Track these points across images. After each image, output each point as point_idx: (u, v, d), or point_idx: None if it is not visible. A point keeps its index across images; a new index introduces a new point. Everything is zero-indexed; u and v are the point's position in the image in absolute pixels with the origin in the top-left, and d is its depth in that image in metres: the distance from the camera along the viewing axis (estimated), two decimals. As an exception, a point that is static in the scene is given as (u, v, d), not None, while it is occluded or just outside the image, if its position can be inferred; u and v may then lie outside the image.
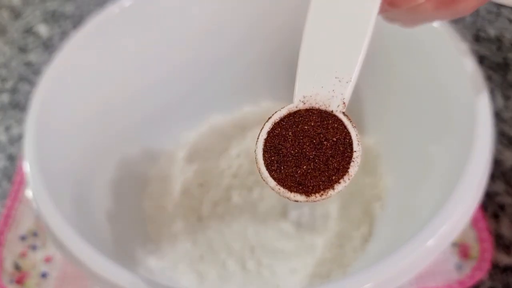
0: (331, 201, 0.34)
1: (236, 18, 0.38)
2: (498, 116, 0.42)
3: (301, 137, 0.18)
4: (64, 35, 0.54)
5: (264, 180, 0.18)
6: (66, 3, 0.57)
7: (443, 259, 0.34)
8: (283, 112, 0.18)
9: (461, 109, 0.28)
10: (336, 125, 0.18)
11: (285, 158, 0.17)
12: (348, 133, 0.18)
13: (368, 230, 0.34)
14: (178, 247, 0.34)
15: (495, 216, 0.36)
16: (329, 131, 0.18)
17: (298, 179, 0.17)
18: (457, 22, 0.49)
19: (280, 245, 0.32)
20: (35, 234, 0.39)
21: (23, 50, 0.53)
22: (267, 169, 0.18)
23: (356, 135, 0.18)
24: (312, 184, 0.17)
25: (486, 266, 0.33)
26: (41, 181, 0.27)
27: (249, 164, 0.36)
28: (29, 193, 0.27)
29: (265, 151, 0.18)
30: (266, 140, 0.18)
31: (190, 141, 0.40)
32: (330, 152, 0.17)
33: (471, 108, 0.27)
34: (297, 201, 0.17)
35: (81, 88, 0.33)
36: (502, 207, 0.37)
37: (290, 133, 0.18)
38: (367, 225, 0.34)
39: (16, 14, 0.57)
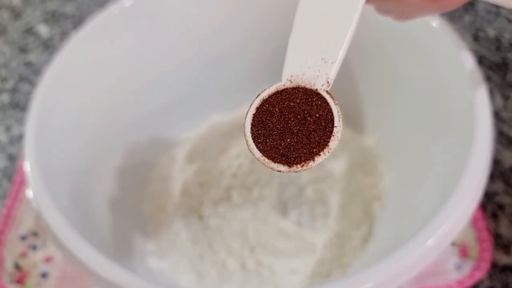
0: (331, 201, 0.34)
1: (236, 18, 0.38)
2: (497, 116, 0.42)
3: (286, 113, 0.19)
4: (64, 35, 0.54)
5: (250, 151, 0.19)
6: (66, 3, 0.57)
7: (443, 259, 0.34)
8: (271, 89, 0.19)
9: (460, 109, 0.28)
10: (319, 102, 0.19)
11: (271, 132, 0.19)
12: (330, 110, 0.19)
13: (368, 230, 0.34)
14: (178, 247, 0.34)
15: (494, 216, 0.36)
16: (313, 108, 0.19)
17: (282, 151, 0.19)
18: (456, 22, 0.49)
19: (280, 245, 0.33)
20: (35, 234, 0.39)
21: (23, 50, 0.53)
22: (254, 141, 0.19)
23: (338, 112, 0.19)
24: (294, 156, 0.19)
25: (485, 265, 0.34)
26: (42, 181, 0.27)
27: (249, 164, 0.36)
28: (29, 193, 0.27)
29: (253, 125, 0.19)
30: (254, 115, 0.19)
31: (190, 141, 0.40)
32: (312, 127, 0.19)
33: (470, 108, 0.27)
34: (279, 171, 0.19)
35: (81, 89, 0.33)
36: (501, 207, 0.37)
37: (276, 109, 0.19)
38: (367, 225, 0.34)
39: (16, 14, 0.57)
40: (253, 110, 0.19)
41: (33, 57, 0.52)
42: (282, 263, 0.32)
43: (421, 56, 0.32)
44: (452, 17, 0.49)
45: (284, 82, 0.19)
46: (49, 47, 0.53)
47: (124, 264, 0.25)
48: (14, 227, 0.39)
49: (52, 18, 0.56)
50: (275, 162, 0.19)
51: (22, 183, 0.41)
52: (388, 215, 0.34)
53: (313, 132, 0.19)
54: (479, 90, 0.27)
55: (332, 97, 0.19)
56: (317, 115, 0.19)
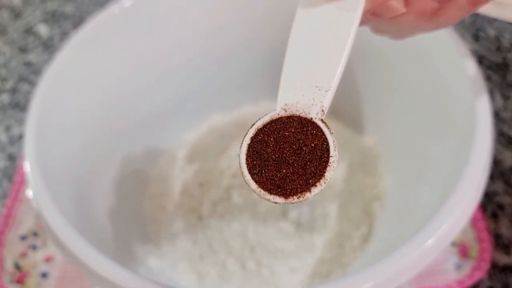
0: (331, 201, 0.34)
1: (236, 19, 0.38)
2: (497, 116, 0.42)
3: (281, 143, 0.19)
4: (64, 35, 0.54)
5: (246, 183, 0.19)
6: (66, 3, 0.57)
7: (443, 259, 0.34)
8: (266, 119, 0.19)
9: (460, 109, 0.28)
10: (315, 131, 0.19)
11: (266, 163, 0.19)
12: (326, 139, 0.19)
13: (368, 230, 0.34)
14: (178, 247, 0.34)
15: (494, 216, 0.36)
16: (308, 137, 0.19)
17: (277, 182, 0.18)
18: (456, 22, 0.49)
19: (280, 245, 0.33)
20: (35, 234, 0.39)
21: (23, 50, 0.53)
22: (249, 172, 0.19)
23: (333, 141, 0.18)
24: (290, 187, 0.18)
25: (485, 266, 0.34)
26: (42, 181, 0.27)
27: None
28: (29, 192, 0.27)
29: (248, 156, 0.19)
30: (249, 145, 0.19)
31: (190, 141, 0.40)
32: (308, 157, 0.18)
33: (470, 108, 0.27)
34: (276, 202, 0.18)
35: (81, 88, 0.33)
36: (501, 207, 0.37)
37: (271, 139, 0.19)
38: (367, 225, 0.34)
39: (16, 14, 0.57)
40: (248, 140, 0.19)
41: (33, 57, 0.52)
42: (282, 263, 0.32)
43: (421, 57, 0.32)
44: (452, 17, 0.49)
45: (278, 111, 0.19)
46: (49, 47, 0.53)
47: (124, 264, 0.25)
48: (14, 227, 0.39)
49: (52, 18, 0.56)
50: (271, 193, 0.18)
51: (22, 183, 0.42)
52: (388, 215, 0.34)
53: (308, 163, 0.18)
54: (480, 90, 0.27)
55: (328, 126, 0.19)
56: (313, 144, 0.19)
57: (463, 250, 0.34)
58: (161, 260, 0.34)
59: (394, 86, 0.35)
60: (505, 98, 0.43)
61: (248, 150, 0.19)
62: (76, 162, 0.32)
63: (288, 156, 0.19)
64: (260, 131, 0.19)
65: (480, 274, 0.33)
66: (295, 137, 0.19)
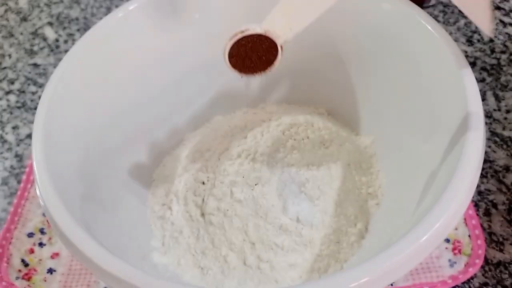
0: (329, 198, 0.35)
1: (237, 23, 0.38)
2: (491, 117, 0.42)
3: (253, 49, 0.29)
4: (69, 37, 0.55)
5: (224, 61, 0.29)
6: (71, 6, 0.58)
7: (437, 256, 0.35)
8: (251, 31, 0.28)
9: (454, 109, 0.29)
10: (274, 52, 0.29)
11: (240, 56, 0.29)
12: (277, 58, 0.29)
13: (364, 227, 0.34)
14: (181, 243, 0.35)
15: (488, 214, 0.37)
16: (270, 52, 0.29)
17: (242, 67, 0.30)
18: (450, 24, 0.50)
19: (279, 241, 0.33)
20: (42, 231, 0.39)
21: (29, 52, 0.54)
22: (228, 57, 0.29)
23: (280, 59, 0.29)
24: (250, 72, 0.30)
25: (479, 262, 0.34)
26: (48, 179, 0.27)
27: (250, 162, 0.37)
28: (36, 191, 0.28)
29: (231, 49, 0.29)
30: (234, 44, 0.28)
31: (193, 141, 0.41)
32: (264, 60, 0.29)
33: (464, 108, 0.27)
34: (237, 75, 0.30)
35: (87, 90, 0.34)
36: (494, 204, 0.38)
37: (250, 44, 0.28)
38: (363, 222, 0.34)
39: (22, 17, 0.58)
40: (234, 40, 0.28)
41: (39, 59, 0.53)
42: (281, 259, 0.33)
43: (416, 59, 0.33)
44: (447, 19, 0.50)
45: (260, 30, 0.28)
46: (55, 49, 0.54)
47: (129, 259, 0.25)
48: (21, 225, 0.40)
49: (58, 21, 0.57)
50: (235, 70, 0.30)
51: (29, 182, 0.42)
52: (384, 213, 0.34)
53: (264, 64, 0.30)
54: (473, 91, 0.28)
55: (282, 51, 0.29)
56: (270, 57, 0.29)
57: (457, 247, 0.35)
58: (164, 255, 0.35)
59: (389, 88, 0.36)
60: (499, 99, 0.43)
61: (231, 47, 0.28)
62: (82, 161, 0.32)
63: (253, 58, 0.29)
64: (244, 37, 0.28)
65: (474, 271, 0.34)
66: (262, 48, 0.29)
